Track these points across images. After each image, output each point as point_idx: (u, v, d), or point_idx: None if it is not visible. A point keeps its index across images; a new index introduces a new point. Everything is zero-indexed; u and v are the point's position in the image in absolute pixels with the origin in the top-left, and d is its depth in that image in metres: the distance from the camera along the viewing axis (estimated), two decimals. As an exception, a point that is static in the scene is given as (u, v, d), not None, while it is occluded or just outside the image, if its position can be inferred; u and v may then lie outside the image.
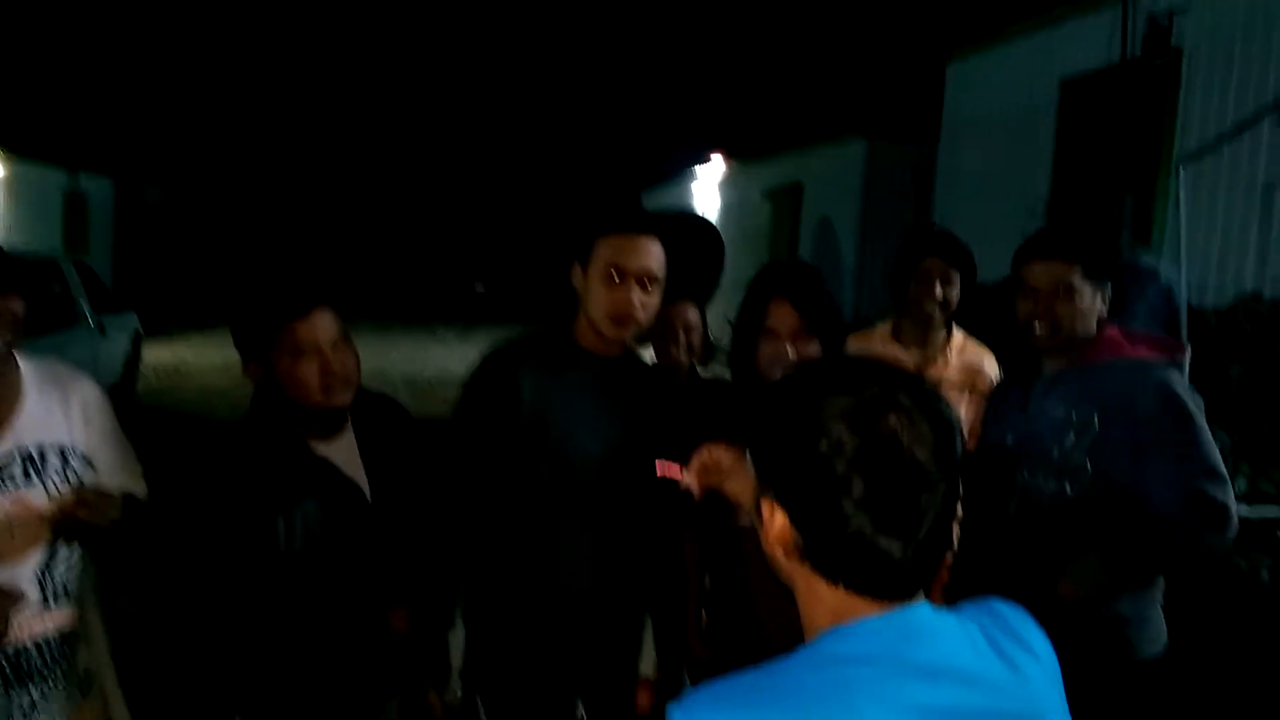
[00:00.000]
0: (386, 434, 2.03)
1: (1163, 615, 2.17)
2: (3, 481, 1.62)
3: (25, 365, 1.71)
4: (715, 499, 1.54)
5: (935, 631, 0.90)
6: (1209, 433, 2.01)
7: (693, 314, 2.99)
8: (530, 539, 1.91)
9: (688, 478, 1.48)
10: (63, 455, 1.71)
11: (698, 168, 17.46)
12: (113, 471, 1.82)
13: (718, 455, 1.46)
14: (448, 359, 14.11)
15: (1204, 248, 6.03)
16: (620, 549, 1.97)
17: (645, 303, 1.91)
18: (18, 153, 15.13)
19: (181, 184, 22.00)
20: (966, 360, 2.79)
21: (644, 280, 1.90)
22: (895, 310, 2.86)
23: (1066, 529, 2.06)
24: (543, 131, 32.33)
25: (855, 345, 2.60)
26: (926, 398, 0.91)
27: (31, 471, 1.66)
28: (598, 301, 1.90)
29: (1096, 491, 2.03)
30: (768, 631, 1.93)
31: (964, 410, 2.72)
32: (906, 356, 2.77)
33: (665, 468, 1.50)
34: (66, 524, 1.65)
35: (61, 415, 1.72)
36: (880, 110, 15.43)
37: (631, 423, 1.98)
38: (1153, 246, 6.55)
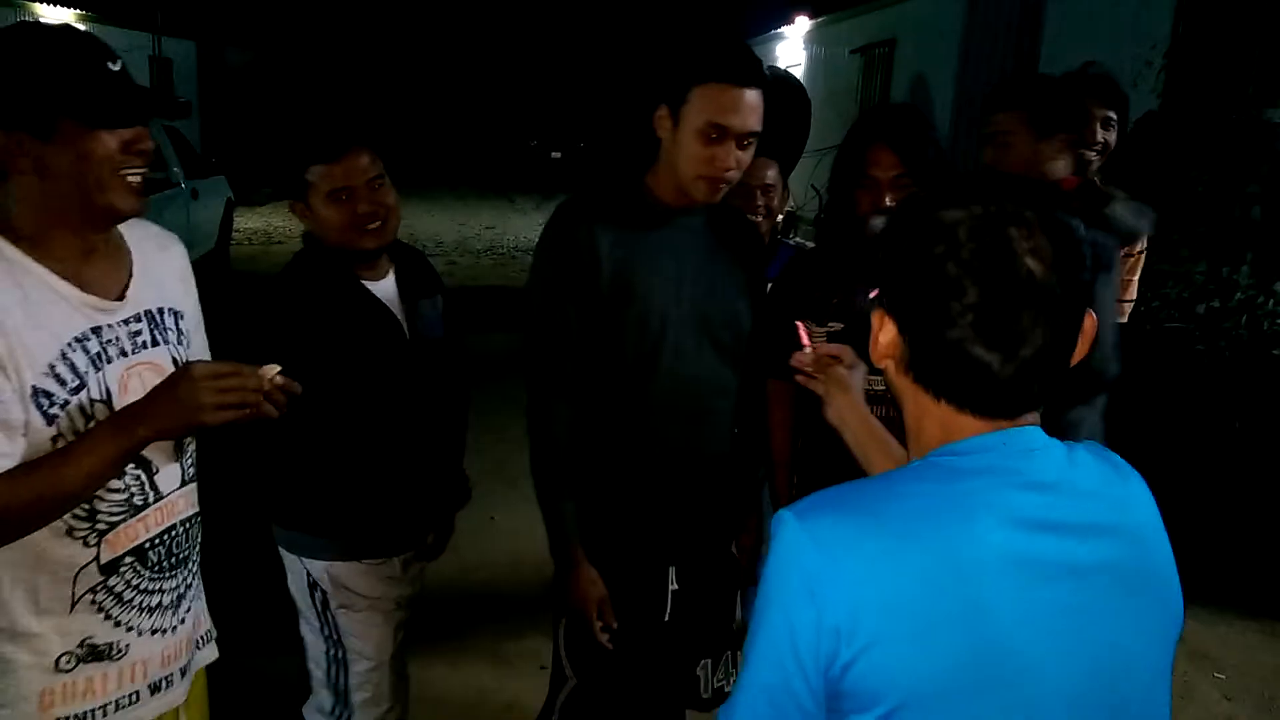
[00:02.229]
0: (422, 284, 2.07)
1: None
2: (136, 345, 1.40)
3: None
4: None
5: (1048, 450, 0.90)
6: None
7: (771, 172, 2.83)
8: (619, 407, 1.85)
9: (809, 351, 1.45)
10: (177, 319, 1.51)
11: (783, 28, 16.64)
12: (200, 343, 1.63)
13: (840, 353, 1.43)
14: (526, 228, 14.12)
15: (1341, 100, 5.52)
16: (709, 414, 1.90)
17: (743, 162, 1.75)
18: (100, 15, 15.23)
19: (263, 45, 21.95)
20: None
21: (745, 139, 1.73)
22: None
23: None
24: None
25: None
26: (1053, 215, 0.87)
27: (158, 335, 1.45)
28: (691, 159, 1.73)
29: None
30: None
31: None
32: None
33: (802, 330, 1.48)
34: (256, 409, 1.34)
35: (168, 277, 1.53)
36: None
37: (719, 281, 1.87)
38: (1284, 100, 6.02)
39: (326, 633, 2.02)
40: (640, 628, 1.90)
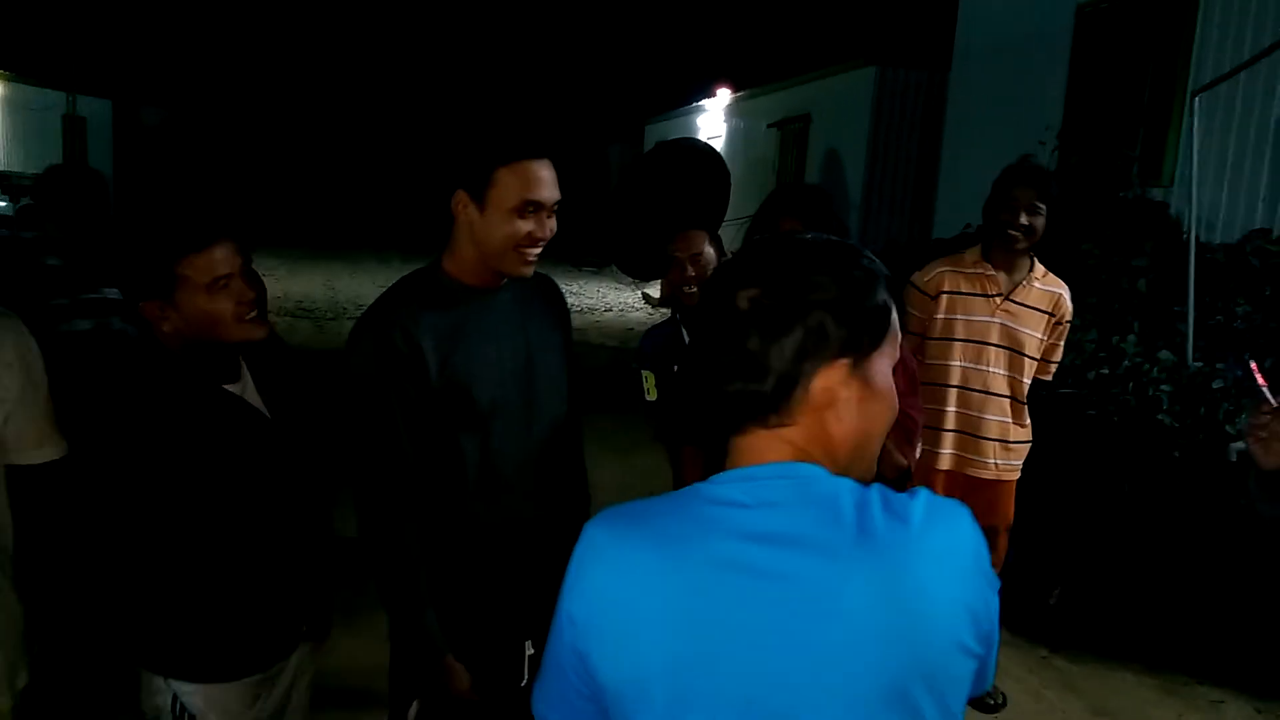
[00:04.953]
0: (275, 364, 1.95)
1: None
2: None
3: None
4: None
5: (808, 484, 0.94)
6: None
7: (700, 242, 2.81)
8: (455, 500, 1.82)
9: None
10: None
11: (704, 101, 17.17)
12: (21, 422, 1.58)
13: None
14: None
15: (1214, 182, 5.96)
16: (547, 490, 1.91)
17: (553, 230, 1.80)
18: (15, 74, 14.90)
19: (179, 104, 21.70)
20: (1048, 287, 3.09)
21: (553, 208, 1.79)
22: (985, 235, 3.11)
23: None
24: (549, 62, 31.71)
25: (947, 267, 3.08)
26: (789, 251, 0.96)
27: None
28: (506, 236, 1.73)
29: None
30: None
31: (1043, 333, 3.05)
32: (997, 277, 3.04)
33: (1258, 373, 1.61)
34: None
35: None
36: (891, 35, 15.15)
37: (535, 351, 1.89)
38: (1164, 180, 6.47)
39: None
40: (498, 696, 1.87)
